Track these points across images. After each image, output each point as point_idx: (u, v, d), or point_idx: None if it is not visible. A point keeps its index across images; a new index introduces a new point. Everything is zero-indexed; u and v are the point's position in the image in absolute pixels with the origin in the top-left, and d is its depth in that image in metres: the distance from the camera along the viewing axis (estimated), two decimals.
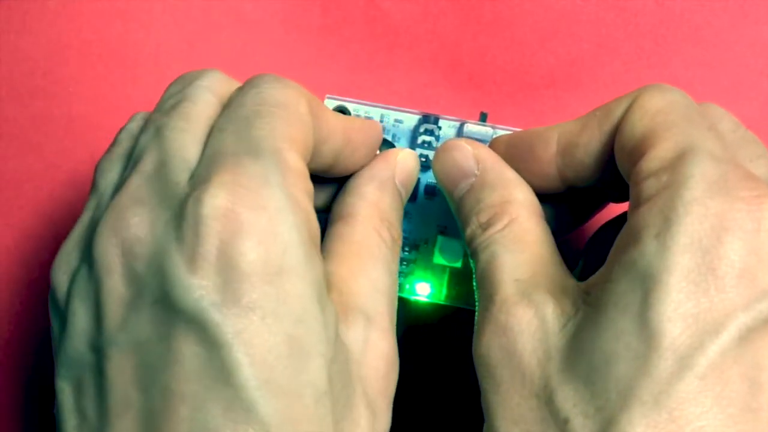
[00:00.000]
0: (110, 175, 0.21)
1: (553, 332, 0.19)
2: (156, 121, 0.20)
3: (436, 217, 0.28)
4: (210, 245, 0.17)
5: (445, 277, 0.27)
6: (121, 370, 0.18)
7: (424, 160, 0.27)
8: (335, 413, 0.18)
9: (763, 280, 0.17)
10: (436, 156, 0.24)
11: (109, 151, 0.21)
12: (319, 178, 0.24)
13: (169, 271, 0.17)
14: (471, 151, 0.24)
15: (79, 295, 0.19)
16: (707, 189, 0.17)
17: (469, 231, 0.23)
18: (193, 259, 0.17)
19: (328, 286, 0.20)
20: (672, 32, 0.29)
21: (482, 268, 0.21)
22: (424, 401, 0.30)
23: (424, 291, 0.27)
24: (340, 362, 0.19)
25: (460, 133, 0.27)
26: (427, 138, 0.27)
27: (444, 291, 0.27)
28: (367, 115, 0.28)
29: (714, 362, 0.16)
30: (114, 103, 0.30)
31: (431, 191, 0.28)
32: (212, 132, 0.20)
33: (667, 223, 0.17)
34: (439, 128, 0.27)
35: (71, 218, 0.30)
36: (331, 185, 0.25)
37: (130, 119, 0.22)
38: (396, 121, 0.28)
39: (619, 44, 0.29)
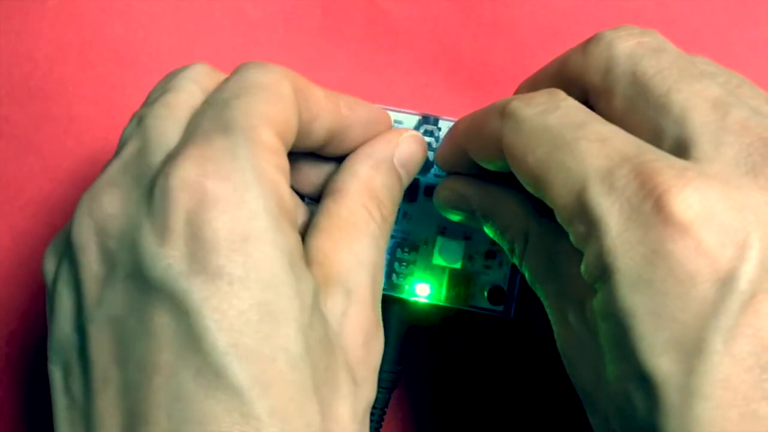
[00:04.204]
0: None
1: None
2: (140, 112, 0.21)
3: (436, 218, 0.28)
4: (177, 216, 0.17)
5: (445, 278, 0.27)
6: (100, 347, 0.18)
7: None
8: (315, 378, 0.18)
9: (714, 273, 0.16)
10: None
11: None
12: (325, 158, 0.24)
13: (140, 244, 0.18)
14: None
15: (62, 279, 0.19)
16: (619, 224, 0.17)
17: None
18: (162, 231, 0.17)
19: (310, 259, 0.21)
20: (672, 33, 0.29)
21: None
22: (424, 401, 0.30)
23: (424, 292, 0.27)
24: (318, 330, 0.19)
25: None
26: (427, 139, 0.27)
27: (443, 292, 0.27)
28: None
29: (714, 381, 0.16)
30: (114, 103, 0.30)
31: (431, 192, 0.28)
32: (192, 116, 0.20)
33: (605, 276, 0.17)
34: (439, 129, 0.27)
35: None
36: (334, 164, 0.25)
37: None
38: (396, 121, 0.28)
39: None
